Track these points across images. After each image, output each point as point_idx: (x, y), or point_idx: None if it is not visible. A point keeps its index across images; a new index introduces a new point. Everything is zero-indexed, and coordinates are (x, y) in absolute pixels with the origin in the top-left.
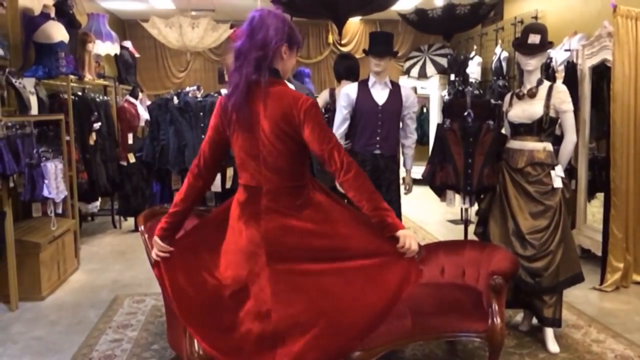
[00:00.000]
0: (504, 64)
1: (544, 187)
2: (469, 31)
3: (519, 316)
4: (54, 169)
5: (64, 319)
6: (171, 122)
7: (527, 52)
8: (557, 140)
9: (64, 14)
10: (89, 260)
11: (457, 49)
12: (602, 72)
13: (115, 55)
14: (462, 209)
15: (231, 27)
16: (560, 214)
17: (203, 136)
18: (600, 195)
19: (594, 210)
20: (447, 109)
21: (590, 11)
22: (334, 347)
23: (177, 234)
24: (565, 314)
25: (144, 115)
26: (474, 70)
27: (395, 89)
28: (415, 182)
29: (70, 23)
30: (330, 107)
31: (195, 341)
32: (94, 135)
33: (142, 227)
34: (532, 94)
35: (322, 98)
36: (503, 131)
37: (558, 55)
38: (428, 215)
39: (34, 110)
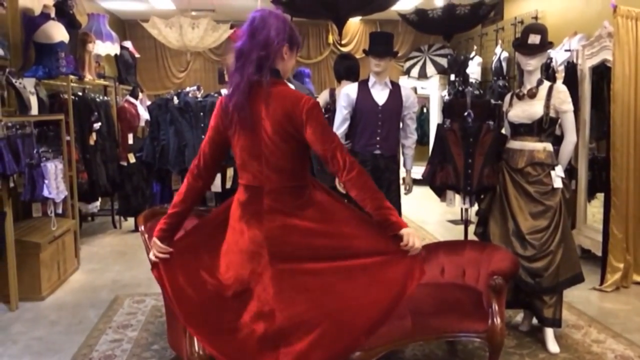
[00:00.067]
0: (504, 64)
1: (544, 187)
2: (469, 31)
3: (519, 316)
4: (54, 169)
5: (64, 319)
6: (171, 122)
7: (527, 52)
8: (557, 141)
9: (64, 14)
10: (89, 260)
11: (457, 49)
12: (602, 73)
13: (116, 55)
14: (462, 209)
15: (231, 28)
16: (560, 214)
17: (203, 136)
18: (600, 196)
19: (594, 210)
20: (447, 109)
21: (591, 11)
22: (339, 345)
23: (177, 234)
24: (565, 314)
25: (144, 115)
26: (474, 70)
27: (395, 89)
28: (416, 182)
29: (71, 23)
30: (331, 107)
31: (195, 341)
32: (94, 136)
33: (142, 227)
34: (532, 94)
35: (322, 98)
36: (503, 131)
37: (558, 56)
38: (428, 216)
39: (34, 110)
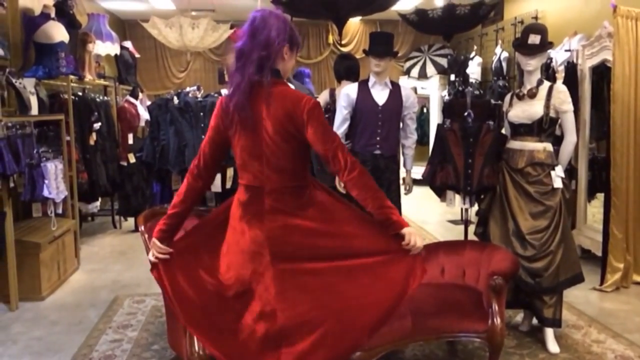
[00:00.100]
0: (504, 64)
1: (544, 187)
2: (469, 31)
3: (519, 316)
4: (54, 169)
5: (64, 319)
6: (171, 122)
7: (527, 52)
8: (557, 141)
9: (64, 14)
10: (89, 260)
11: (457, 49)
12: (602, 73)
13: (116, 55)
14: (462, 209)
15: (231, 28)
16: (560, 214)
17: (203, 136)
18: (600, 196)
19: (594, 210)
20: (447, 109)
21: (590, 11)
22: (342, 344)
23: (176, 235)
24: (565, 314)
25: (144, 115)
26: (474, 70)
27: (396, 89)
28: (416, 182)
29: (71, 23)
30: (331, 108)
31: (195, 341)
32: (94, 136)
33: (142, 227)
34: (532, 95)
35: (322, 98)
36: (503, 131)
37: (558, 56)
38: (428, 216)
39: (34, 110)
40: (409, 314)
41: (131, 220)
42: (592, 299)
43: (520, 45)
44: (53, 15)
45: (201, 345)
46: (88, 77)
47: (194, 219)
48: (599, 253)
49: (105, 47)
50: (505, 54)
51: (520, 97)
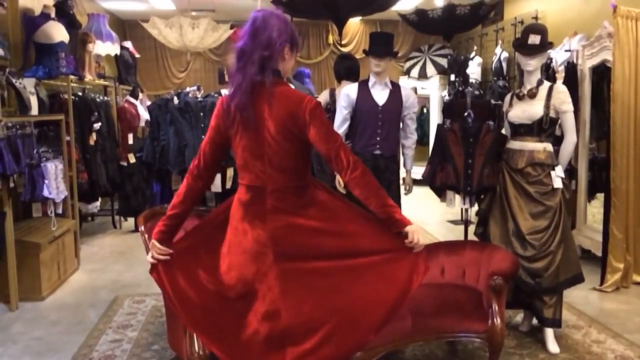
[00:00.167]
0: (504, 65)
1: (544, 187)
2: (469, 31)
3: (519, 316)
4: (54, 169)
5: (64, 319)
6: (171, 123)
7: (527, 52)
8: (557, 141)
9: (64, 14)
10: (89, 260)
11: (457, 49)
12: (602, 73)
13: (116, 55)
14: (462, 209)
15: (231, 28)
16: (560, 215)
17: (203, 136)
18: (600, 196)
19: (594, 210)
20: (447, 109)
21: (591, 11)
22: (348, 343)
23: (176, 236)
24: (565, 315)
25: (144, 115)
26: (474, 70)
27: (396, 89)
28: (416, 182)
29: (71, 23)
30: (331, 108)
31: (195, 341)
32: (94, 136)
33: (142, 228)
34: (532, 95)
35: (323, 98)
36: (503, 131)
37: (558, 56)
38: (428, 216)
39: (34, 110)
40: (409, 314)
41: (131, 220)
42: (592, 299)
43: (520, 46)
44: (53, 15)
45: (201, 345)
46: (88, 77)
47: (194, 219)
48: (599, 253)
49: (105, 47)
50: (505, 54)
51: (520, 97)
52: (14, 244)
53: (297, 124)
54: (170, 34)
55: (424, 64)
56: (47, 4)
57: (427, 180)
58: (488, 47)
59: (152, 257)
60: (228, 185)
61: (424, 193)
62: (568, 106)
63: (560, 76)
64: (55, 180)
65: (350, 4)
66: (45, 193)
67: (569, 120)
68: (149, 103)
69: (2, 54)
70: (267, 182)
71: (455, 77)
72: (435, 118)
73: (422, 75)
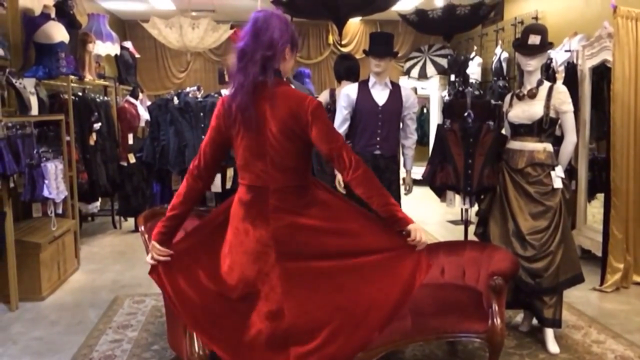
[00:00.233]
0: (504, 65)
1: (544, 187)
2: (469, 32)
3: (519, 317)
4: (54, 169)
5: (64, 319)
6: (171, 123)
7: (527, 52)
8: (557, 141)
9: (65, 14)
10: (89, 260)
11: (457, 49)
12: (602, 73)
13: (116, 55)
14: (462, 209)
15: (231, 28)
16: (560, 215)
17: (203, 136)
18: (600, 196)
19: (594, 210)
20: (447, 109)
21: (591, 12)
22: (352, 341)
23: (176, 236)
24: (565, 315)
25: (144, 115)
26: (474, 70)
27: (396, 89)
28: (416, 182)
29: (71, 23)
30: (331, 108)
31: (195, 341)
32: (94, 136)
33: (142, 228)
34: (532, 95)
35: (323, 98)
36: (503, 132)
37: (558, 56)
38: (428, 216)
39: (34, 110)
40: (409, 314)
41: (131, 220)
42: (592, 300)
43: (521, 46)
44: (53, 15)
45: (201, 345)
46: (88, 77)
47: (194, 219)
48: (599, 253)
49: (105, 47)
50: (505, 55)
51: (520, 98)
52: (14, 244)
53: (299, 124)
54: (170, 34)
55: (424, 64)
56: (47, 4)
57: (427, 181)
58: (488, 47)
59: (152, 258)
60: (228, 185)
61: (424, 193)
62: (568, 106)
63: (560, 76)
64: (55, 181)
65: (350, 4)
66: (45, 193)
67: (569, 121)
68: (149, 103)
69: (2, 54)
70: (268, 182)
71: (455, 77)
72: (435, 118)
73: (422, 75)
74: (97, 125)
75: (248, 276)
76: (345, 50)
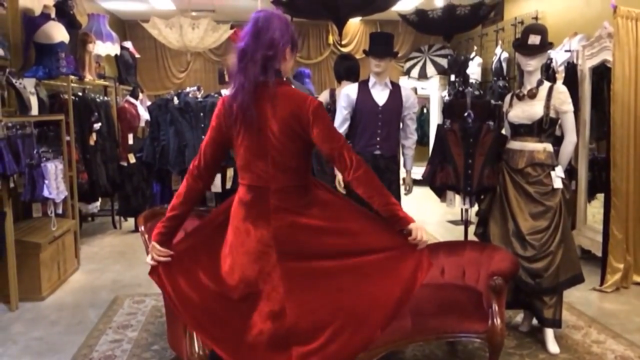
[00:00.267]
0: (504, 65)
1: (544, 187)
2: (469, 32)
3: (519, 317)
4: (54, 169)
5: (64, 319)
6: (171, 123)
7: (527, 52)
8: (557, 141)
9: (65, 14)
10: (89, 260)
11: (457, 49)
12: (602, 73)
13: (116, 55)
14: (462, 209)
15: (231, 28)
16: (560, 215)
17: (203, 136)
18: (600, 196)
19: (594, 210)
20: (447, 109)
21: (591, 12)
22: (355, 340)
23: (176, 237)
24: (565, 315)
25: (144, 115)
26: (474, 70)
27: (396, 89)
28: (416, 182)
29: (71, 23)
30: (331, 108)
31: (195, 341)
32: (94, 136)
33: (142, 228)
34: (532, 95)
35: (323, 99)
36: (503, 132)
37: (558, 56)
38: (428, 216)
39: (34, 110)
40: (409, 314)
41: (131, 220)
42: (592, 300)
43: (520, 46)
44: (53, 15)
45: (201, 345)
46: (88, 77)
47: (194, 220)
48: (599, 253)
49: (105, 48)
50: (505, 55)
51: (520, 98)
52: (14, 244)
53: (300, 124)
54: (171, 34)
55: (424, 64)
56: (47, 4)
57: (427, 181)
58: (488, 47)
59: (152, 259)
60: (228, 185)
61: (424, 193)
62: (568, 106)
63: (561, 76)
64: (55, 181)
65: (350, 4)
66: (46, 193)
67: (569, 121)
68: (149, 103)
69: (3, 54)
70: (269, 182)
71: (456, 77)
72: (435, 118)
73: (422, 75)
74: (97, 125)
75: (249, 276)
76: (345, 50)
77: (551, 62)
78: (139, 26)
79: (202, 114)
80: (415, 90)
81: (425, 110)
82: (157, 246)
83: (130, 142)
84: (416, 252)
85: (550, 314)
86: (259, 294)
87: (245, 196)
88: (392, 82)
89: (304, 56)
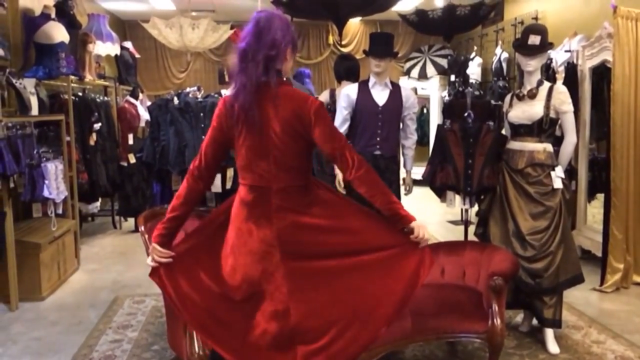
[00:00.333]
0: (504, 65)
1: (544, 187)
2: (469, 32)
3: (519, 317)
4: (54, 169)
5: (64, 319)
6: (171, 123)
7: (527, 53)
8: (557, 141)
9: (65, 14)
10: (89, 260)
11: (457, 49)
12: (602, 73)
13: (116, 55)
14: (462, 209)
15: (231, 28)
16: (560, 215)
17: (203, 137)
18: (600, 196)
19: (594, 211)
20: (448, 109)
21: (591, 12)
22: (359, 338)
23: (176, 238)
24: (565, 315)
25: (145, 115)
26: (474, 71)
27: (396, 89)
28: (416, 182)
29: (71, 23)
30: (331, 108)
31: (195, 341)
32: (94, 136)
33: (142, 228)
34: (532, 95)
35: (323, 99)
36: (503, 132)
37: (558, 56)
38: (428, 216)
39: (35, 110)
40: (409, 314)
41: (131, 220)
42: (592, 300)
43: (520, 46)
44: (53, 15)
45: (201, 345)
46: (88, 77)
47: (194, 220)
48: (599, 254)
49: (105, 48)
50: (505, 55)
51: (520, 98)
52: (14, 244)
53: (302, 124)
54: (171, 34)
55: (424, 65)
56: (47, 4)
57: (427, 181)
58: (488, 47)
59: (153, 260)
60: (228, 185)
61: (424, 193)
62: (568, 106)
63: (560, 77)
64: (56, 181)
65: (350, 4)
66: (46, 193)
67: (569, 121)
68: (149, 103)
69: (3, 54)
70: (272, 182)
71: (456, 77)
72: (435, 118)
73: (422, 75)
74: (97, 126)
75: (252, 276)
76: (345, 50)
77: (551, 62)
78: (139, 26)
79: (202, 114)
80: (415, 90)
81: (425, 111)
82: (158, 247)
83: (130, 142)
84: (418, 249)
85: (550, 314)
86: (262, 294)
87: (247, 196)
88: (392, 82)
89: (304, 56)
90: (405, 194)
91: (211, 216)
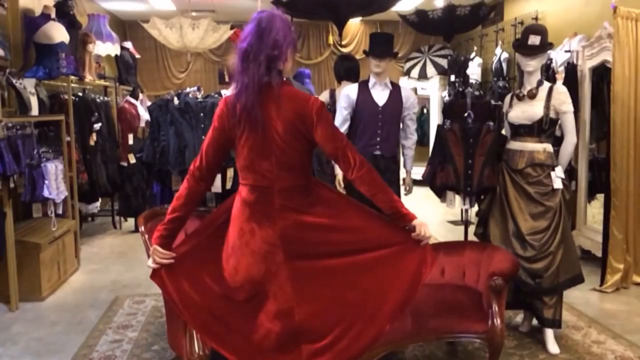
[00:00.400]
0: (504, 65)
1: (544, 188)
2: (469, 32)
3: (519, 317)
4: (54, 169)
5: (64, 319)
6: (171, 123)
7: (527, 53)
8: (557, 141)
9: (65, 14)
10: (89, 260)
11: (457, 50)
12: (602, 73)
13: (116, 55)
14: (462, 209)
15: (231, 28)
16: (560, 215)
17: (203, 137)
18: (600, 196)
19: (594, 211)
20: (447, 109)
21: (591, 12)
22: (364, 336)
23: (177, 239)
24: (565, 315)
25: (145, 116)
26: (474, 71)
27: (396, 89)
28: (416, 183)
29: (71, 24)
30: (331, 108)
31: (195, 341)
32: (94, 136)
33: (142, 228)
34: (532, 95)
35: (323, 99)
36: (503, 132)
37: (558, 57)
38: (428, 216)
39: (35, 110)
40: (409, 314)
41: (131, 220)
42: (592, 300)
43: (520, 46)
44: (53, 15)
45: (201, 345)
46: (88, 77)
47: (194, 220)
48: (599, 254)
49: (105, 48)
50: (505, 55)
51: (520, 98)
52: (14, 244)
53: (304, 124)
54: (171, 35)
55: (424, 65)
56: (47, 4)
57: (427, 181)
58: (488, 47)
59: (154, 261)
60: (228, 185)
61: (424, 193)
62: (568, 107)
63: (560, 77)
64: (56, 181)
65: (350, 5)
66: (46, 193)
67: (569, 121)
68: (149, 103)
69: (3, 54)
70: (274, 182)
71: (456, 77)
72: (435, 118)
73: (422, 75)
74: (97, 126)
75: (255, 276)
76: (345, 50)
77: (551, 62)
78: (139, 26)
79: (202, 115)
80: (415, 90)
81: (425, 111)
82: (159, 249)
83: (131, 142)
84: (420, 247)
85: (550, 314)
86: (265, 294)
87: (249, 196)
88: (392, 83)
89: (304, 56)
90: (405, 194)
91: (211, 216)
